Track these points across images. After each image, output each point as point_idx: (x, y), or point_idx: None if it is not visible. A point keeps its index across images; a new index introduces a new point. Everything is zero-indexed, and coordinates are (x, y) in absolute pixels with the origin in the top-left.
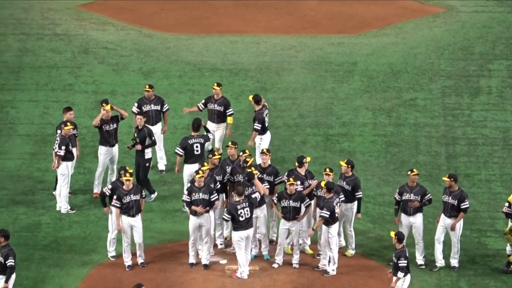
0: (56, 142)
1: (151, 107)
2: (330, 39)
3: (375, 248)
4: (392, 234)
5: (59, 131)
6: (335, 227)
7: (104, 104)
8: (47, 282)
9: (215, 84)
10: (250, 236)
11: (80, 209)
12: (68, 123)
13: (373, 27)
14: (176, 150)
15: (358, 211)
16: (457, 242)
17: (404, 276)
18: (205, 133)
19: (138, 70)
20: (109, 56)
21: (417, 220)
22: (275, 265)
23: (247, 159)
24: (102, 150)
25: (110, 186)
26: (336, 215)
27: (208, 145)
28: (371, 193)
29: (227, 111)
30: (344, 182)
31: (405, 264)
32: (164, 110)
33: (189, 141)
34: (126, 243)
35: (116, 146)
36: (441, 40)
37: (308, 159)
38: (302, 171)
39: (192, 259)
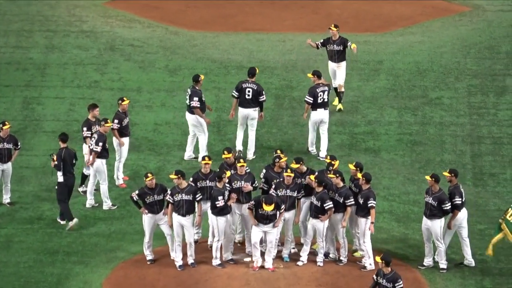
0: (93, 138)
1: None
2: (356, 38)
3: (400, 247)
4: (378, 259)
5: (97, 127)
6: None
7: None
8: (71, 279)
9: (332, 26)
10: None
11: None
12: (109, 120)
13: (399, 25)
14: (232, 93)
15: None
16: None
17: None
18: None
19: (164, 68)
20: (135, 53)
21: (434, 224)
22: (300, 263)
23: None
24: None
25: (137, 192)
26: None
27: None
28: (396, 191)
29: (346, 48)
30: (336, 194)
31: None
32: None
33: (243, 85)
34: (178, 242)
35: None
36: (467, 39)
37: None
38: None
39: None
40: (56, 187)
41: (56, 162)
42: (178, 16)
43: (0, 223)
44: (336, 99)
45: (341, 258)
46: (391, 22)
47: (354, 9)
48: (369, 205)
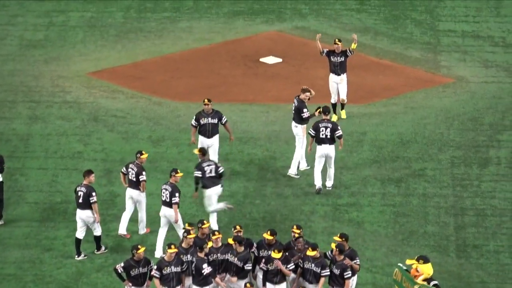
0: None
1: (208, 120)
2: (338, 109)
3: None
4: (333, 245)
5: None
6: None
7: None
8: None
9: (337, 40)
10: None
11: (88, 277)
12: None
13: (382, 96)
14: None
15: None
16: None
17: None
18: None
19: (148, 138)
20: (118, 124)
21: None
22: None
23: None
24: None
25: (122, 265)
26: None
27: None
28: (379, 263)
29: (347, 57)
30: (313, 264)
31: None
32: (223, 122)
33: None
34: None
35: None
36: (451, 110)
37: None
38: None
39: None
40: None
41: None
42: (162, 87)
43: None
44: (335, 115)
45: None
46: (375, 93)
47: None
48: (345, 276)
